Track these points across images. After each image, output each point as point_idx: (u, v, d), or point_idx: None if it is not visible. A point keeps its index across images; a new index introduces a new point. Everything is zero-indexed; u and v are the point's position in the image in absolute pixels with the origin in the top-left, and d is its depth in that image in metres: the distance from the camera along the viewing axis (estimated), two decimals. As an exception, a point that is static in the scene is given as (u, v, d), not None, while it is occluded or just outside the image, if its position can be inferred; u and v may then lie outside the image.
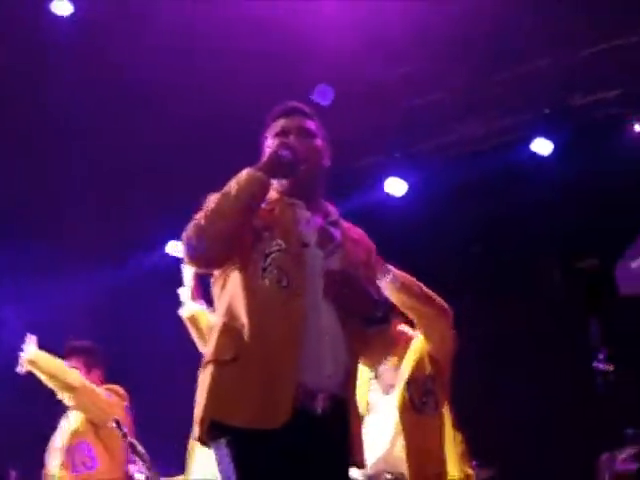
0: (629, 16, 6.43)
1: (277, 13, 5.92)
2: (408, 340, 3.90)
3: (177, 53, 6.19)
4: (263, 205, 2.84)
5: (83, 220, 8.02)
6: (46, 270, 7.54)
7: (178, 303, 4.66)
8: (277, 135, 2.98)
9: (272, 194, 2.92)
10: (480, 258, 7.00)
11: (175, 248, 8.45)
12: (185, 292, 4.67)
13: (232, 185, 2.75)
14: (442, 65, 6.83)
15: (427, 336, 3.81)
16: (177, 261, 8.09)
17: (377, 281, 3.23)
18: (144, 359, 7.60)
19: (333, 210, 3.03)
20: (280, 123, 3.00)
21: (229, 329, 2.73)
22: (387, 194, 7.36)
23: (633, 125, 7.07)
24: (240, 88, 6.42)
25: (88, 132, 6.86)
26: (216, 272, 2.87)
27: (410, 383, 3.79)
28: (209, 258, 2.78)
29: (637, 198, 6.32)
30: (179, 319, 4.65)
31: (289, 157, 2.82)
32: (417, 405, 3.76)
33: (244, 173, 2.77)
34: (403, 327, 3.95)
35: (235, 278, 2.78)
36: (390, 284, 3.59)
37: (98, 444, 5.11)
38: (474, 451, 4.29)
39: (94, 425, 5.14)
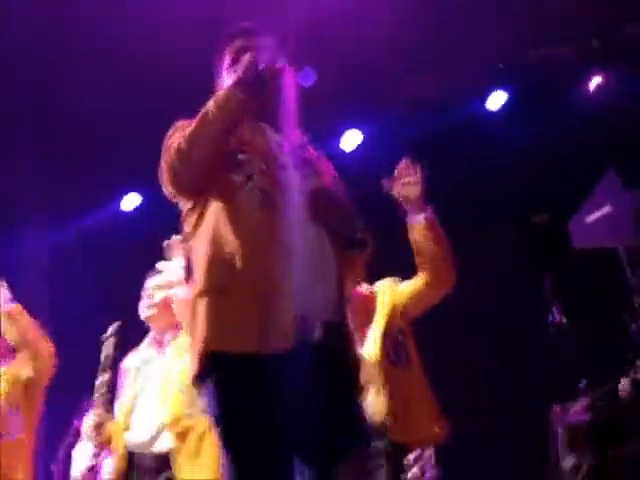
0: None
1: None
2: (370, 298, 3.91)
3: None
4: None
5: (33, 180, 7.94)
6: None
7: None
8: (239, 52, 2.85)
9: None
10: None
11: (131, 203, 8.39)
12: None
13: (210, 106, 2.65)
14: (396, 18, 6.79)
15: (429, 279, 3.82)
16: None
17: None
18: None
19: (300, 134, 2.93)
20: (239, 42, 2.91)
21: (218, 258, 2.61)
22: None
23: (589, 81, 7.09)
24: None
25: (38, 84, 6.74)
26: (187, 205, 2.77)
27: (384, 336, 3.78)
28: (193, 182, 2.68)
29: (590, 155, 6.34)
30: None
31: (265, 71, 2.69)
32: (392, 358, 3.76)
33: (221, 93, 2.69)
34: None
35: (216, 207, 2.66)
36: (424, 220, 3.72)
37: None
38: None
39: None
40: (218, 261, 2.61)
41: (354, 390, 2.66)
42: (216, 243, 2.63)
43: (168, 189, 2.72)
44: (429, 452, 3.88)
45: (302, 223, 2.64)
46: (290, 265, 2.56)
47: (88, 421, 4.21)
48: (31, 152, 7.34)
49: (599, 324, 5.43)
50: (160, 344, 4.35)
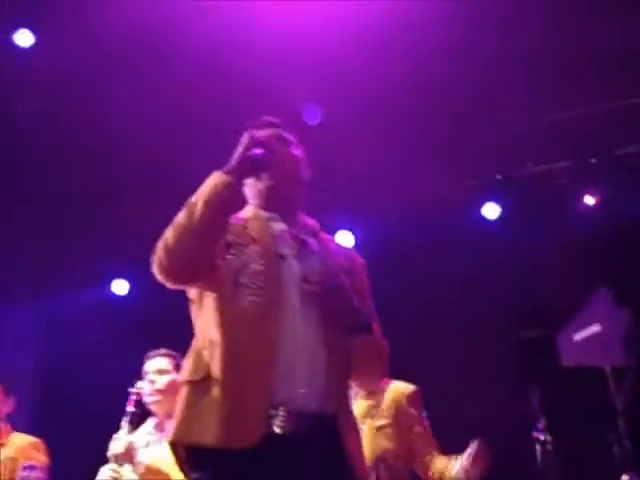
0: (581, 89, 6.55)
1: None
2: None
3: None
4: (237, 221, 2.73)
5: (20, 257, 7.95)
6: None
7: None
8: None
9: (247, 209, 2.82)
10: (421, 319, 7.00)
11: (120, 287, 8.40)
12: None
13: (198, 194, 2.58)
14: (395, 127, 6.90)
15: None
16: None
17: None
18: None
19: (312, 222, 2.91)
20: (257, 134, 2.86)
21: (201, 349, 2.61)
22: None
23: (583, 197, 7.17)
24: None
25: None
26: (192, 293, 2.75)
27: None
28: (179, 277, 2.64)
29: (584, 270, 6.38)
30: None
31: (260, 153, 2.64)
32: None
33: (211, 179, 2.61)
34: None
35: (209, 299, 2.66)
36: None
37: None
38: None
39: None
40: (201, 352, 2.61)
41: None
42: (204, 335, 2.64)
43: (160, 278, 2.67)
44: None
45: (293, 315, 2.61)
46: (271, 360, 2.52)
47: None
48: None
49: (584, 443, 5.39)
50: (162, 430, 4.23)
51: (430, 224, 7.37)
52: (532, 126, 6.97)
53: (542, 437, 4.69)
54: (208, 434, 2.46)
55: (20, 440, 4.89)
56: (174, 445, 2.57)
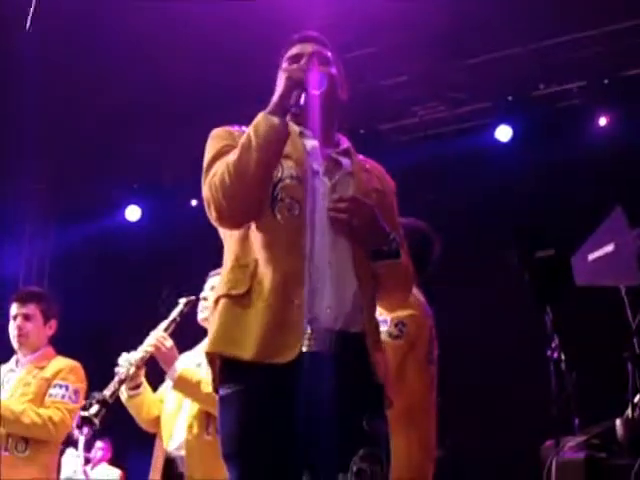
0: (594, 11, 6.50)
1: None
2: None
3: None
4: None
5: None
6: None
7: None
8: (290, 60, 2.84)
9: None
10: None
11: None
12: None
13: (251, 136, 2.57)
14: (409, 50, 6.86)
15: None
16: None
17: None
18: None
19: (344, 140, 2.89)
20: (295, 49, 2.87)
21: (240, 265, 2.61)
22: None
23: (598, 118, 7.14)
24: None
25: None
26: None
27: None
28: (243, 217, 2.63)
29: (597, 190, 6.38)
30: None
31: (300, 94, 2.63)
32: None
33: (261, 122, 2.59)
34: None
35: None
36: None
37: None
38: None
39: None
40: (239, 268, 2.62)
41: (362, 400, 2.56)
42: (240, 250, 2.65)
43: (213, 221, 2.67)
44: None
45: (324, 232, 2.63)
46: (306, 275, 2.55)
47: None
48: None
49: (598, 361, 5.44)
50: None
51: (444, 147, 7.38)
52: (542, 47, 6.94)
53: (555, 355, 4.73)
54: (248, 348, 2.49)
55: (59, 363, 4.84)
56: (211, 356, 2.60)
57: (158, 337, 4.02)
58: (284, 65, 2.86)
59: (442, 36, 6.69)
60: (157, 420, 4.15)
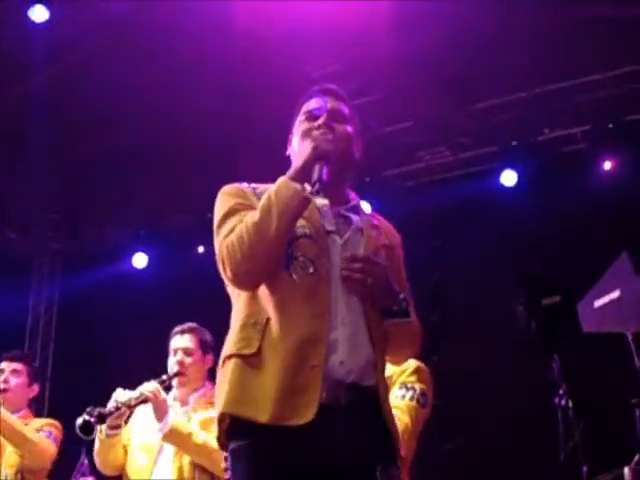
0: (597, 55, 6.53)
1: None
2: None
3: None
4: None
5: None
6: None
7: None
8: (307, 115, 2.85)
9: None
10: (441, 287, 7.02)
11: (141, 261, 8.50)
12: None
13: (272, 200, 2.58)
14: (414, 94, 6.90)
15: None
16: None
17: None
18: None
19: (353, 196, 2.90)
20: (313, 102, 2.88)
21: (252, 323, 2.60)
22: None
23: (603, 162, 7.16)
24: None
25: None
26: None
27: None
28: (258, 278, 2.63)
29: (603, 236, 6.38)
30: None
31: (323, 167, 2.63)
32: None
33: (283, 188, 2.59)
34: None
35: None
36: None
37: None
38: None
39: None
40: (251, 326, 2.60)
41: (375, 450, 2.56)
42: (252, 307, 2.64)
43: (228, 281, 2.68)
44: None
45: (338, 290, 2.63)
46: (323, 335, 2.54)
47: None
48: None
49: (605, 409, 5.41)
50: (186, 403, 4.38)
51: (450, 192, 7.39)
52: (547, 92, 6.98)
53: (563, 403, 4.72)
54: (263, 410, 2.47)
55: (38, 422, 5.00)
56: (223, 416, 2.57)
57: (155, 387, 4.14)
58: (301, 119, 2.87)
59: (447, 82, 6.72)
60: (120, 466, 4.30)
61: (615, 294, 4.79)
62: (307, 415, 2.45)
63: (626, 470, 4.23)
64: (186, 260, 8.22)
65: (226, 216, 2.70)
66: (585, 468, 4.79)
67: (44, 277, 8.86)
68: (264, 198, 2.61)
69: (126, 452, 4.31)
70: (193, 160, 7.40)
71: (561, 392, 4.78)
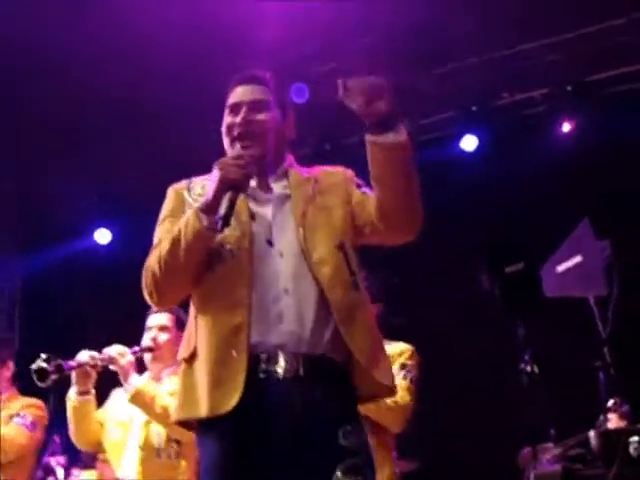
0: (554, 17, 6.53)
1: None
2: None
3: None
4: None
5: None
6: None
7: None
8: (229, 109, 2.87)
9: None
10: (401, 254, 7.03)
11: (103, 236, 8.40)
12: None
13: (181, 232, 2.62)
14: (370, 62, 6.86)
15: None
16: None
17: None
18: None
19: (288, 162, 2.93)
20: (234, 95, 2.89)
21: (190, 325, 2.74)
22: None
23: (562, 124, 7.18)
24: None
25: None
26: None
27: None
28: (172, 301, 2.80)
29: (564, 199, 6.42)
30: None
31: (233, 199, 2.62)
32: None
33: (192, 220, 2.62)
34: None
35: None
36: None
37: None
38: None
39: None
40: (189, 329, 2.73)
41: (335, 417, 2.59)
42: (191, 310, 2.76)
43: (149, 301, 2.77)
44: None
45: (278, 265, 2.67)
46: (245, 313, 2.59)
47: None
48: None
49: (570, 372, 5.46)
50: (157, 379, 4.36)
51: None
52: (504, 56, 6.98)
53: (528, 368, 4.75)
54: (201, 406, 2.56)
55: (17, 404, 4.91)
56: (180, 425, 2.70)
57: (122, 349, 4.17)
58: (225, 112, 2.89)
59: (403, 49, 6.69)
60: (95, 442, 4.31)
61: (577, 259, 4.83)
62: (234, 399, 2.51)
63: (591, 433, 4.28)
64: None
65: (161, 222, 2.83)
66: (552, 431, 4.84)
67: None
68: (176, 228, 2.67)
69: (103, 429, 4.32)
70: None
71: (526, 358, 4.81)
